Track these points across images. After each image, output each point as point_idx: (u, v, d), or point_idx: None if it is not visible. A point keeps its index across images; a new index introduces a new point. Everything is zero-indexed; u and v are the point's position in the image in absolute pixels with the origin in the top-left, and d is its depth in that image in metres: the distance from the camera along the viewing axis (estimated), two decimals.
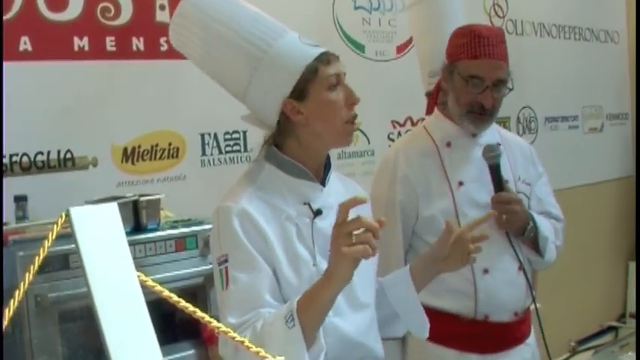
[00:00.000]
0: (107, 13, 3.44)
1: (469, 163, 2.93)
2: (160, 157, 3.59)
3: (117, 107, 3.47)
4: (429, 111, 3.21)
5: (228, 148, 3.86)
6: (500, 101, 2.90)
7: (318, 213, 2.14)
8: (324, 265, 2.04)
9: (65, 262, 2.62)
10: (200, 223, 3.05)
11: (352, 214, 2.11)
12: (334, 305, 2.04)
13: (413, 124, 4.64)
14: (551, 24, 6.13)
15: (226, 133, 3.84)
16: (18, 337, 2.58)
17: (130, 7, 3.51)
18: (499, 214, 2.82)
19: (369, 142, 4.57)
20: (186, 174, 3.69)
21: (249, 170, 2.25)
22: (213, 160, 3.80)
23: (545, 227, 2.97)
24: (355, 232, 1.82)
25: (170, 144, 3.63)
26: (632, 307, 6.68)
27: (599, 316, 5.89)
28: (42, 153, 3.21)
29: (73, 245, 1.08)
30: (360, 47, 4.59)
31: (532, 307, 3.04)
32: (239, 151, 3.88)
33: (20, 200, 2.96)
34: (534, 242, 2.94)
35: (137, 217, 2.98)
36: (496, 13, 5.58)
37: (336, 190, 2.27)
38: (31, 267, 1.02)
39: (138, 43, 3.54)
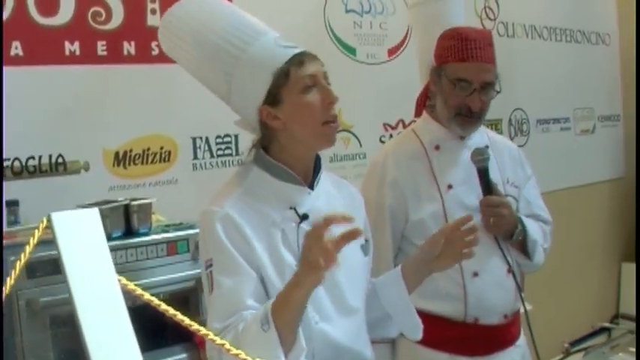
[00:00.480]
0: (98, 17, 3.44)
1: (458, 166, 2.94)
2: (152, 161, 3.60)
3: (108, 111, 3.47)
4: (418, 114, 3.22)
5: (220, 152, 3.86)
6: (489, 104, 2.91)
7: (304, 217, 2.13)
8: None
9: (56, 266, 2.61)
10: (191, 227, 3.05)
11: (349, 212, 2.13)
12: (321, 310, 2.05)
13: (405, 126, 4.64)
14: (542, 26, 6.14)
15: (218, 136, 3.85)
16: (9, 342, 2.57)
17: (121, 11, 3.51)
18: (487, 218, 2.84)
19: (360, 145, 4.58)
20: (178, 178, 3.69)
21: (236, 173, 2.25)
22: (205, 163, 3.80)
23: (534, 230, 2.98)
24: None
25: (162, 148, 3.63)
26: (625, 308, 6.70)
27: (592, 317, 5.90)
28: (33, 157, 3.21)
29: None
30: (351, 50, 4.60)
31: (522, 309, 3.06)
32: (231, 154, 3.88)
33: (12, 205, 2.96)
34: (523, 245, 2.95)
35: (128, 221, 2.97)
36: (487, 15, 5.59)
37: (327, 193, 2.26)
38: (12, 272, 1.03)
39: (129, 48, 3.55)
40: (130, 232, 2.97)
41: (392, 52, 4.79)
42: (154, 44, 3.58)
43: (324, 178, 2.28)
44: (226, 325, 1.98)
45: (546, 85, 6.12)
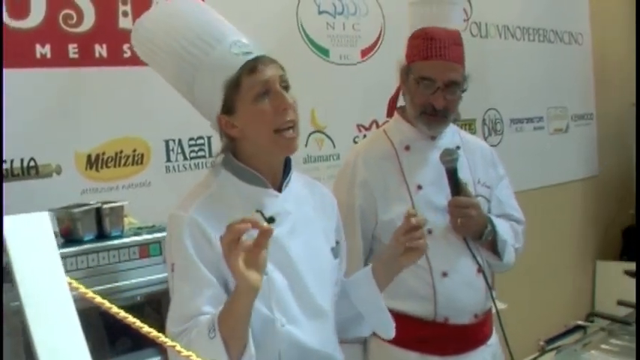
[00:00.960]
0: (69, 20, 3.42)
1: (427, 166, 2.95)
2: (125, 164, 3.58)
3: (80, 114, 3.45)
4: (390, 114, 3.23)
5: (193, 154, 3.85)
6: (455, 103, 2.93)
7: (270, 220, 2.12)
8: (276, 274, 2.07)
9: None
10: (164, 229, 3.02)
11: (320, 214, 2.15)
12: (288, 313, 2.06)
13: (378, 127, 4.65)
14: (515, 26, 6.17)
15: (191, 139, 3.84)
16: None
17: (93, 14, 3.50)
18: (455, 218, 2.86)
19: (334, 146, 4.58)
20: (151, 180, 3.68)
21: (205, 177, 2.26)
22: (178, 166, 3.79)
23: (504, 230, 3.00)
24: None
25: (134, 150, 3.62)
26: (599, 306, 6.75)
27: (567, 316, 5.91)
28: (5, 161, 3.19)
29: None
30: (324, 52, 4.60)
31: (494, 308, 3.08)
32: (204, 156, 3.88)
33: None
34: (493, 245, 2.97)
35: (100, 225, 2.97)
36: None
37: (297, 195, 2.27)
38: None
39: (101, 50, 3.53)
40: (102, 236, 2.96)
41: (365, 53, 4.80)
42: (125, 47, 3.57)
43: (296, 180, 2.29)
44: (183, 330, 1.99)
45: (520, 84, 6.14)
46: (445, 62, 2.86)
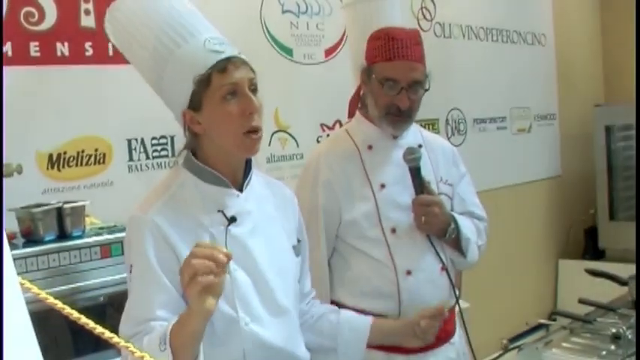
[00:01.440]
0: (31, 18, 3.40)
1: (390, 165, 2.96)
2: (87, 164, 3.56)
3: (41, 113, 3.42)
4: (351, 114, 3.23)
5: (156, 154, 3.83)
6: (418, 102, 2.93)
7: (232, 220, 2.13)
8: (238, 272, 2.07)
9: None
10: (125, 229, 3.03)
11: (282, 213, 2.15)
12: (252, 312, 2.06)
13: (341, 127, 4.66)
14: (478, 27, 6.20)
15: (154, 138, 3.82)
16: None
17: (55, 12, 3.47)
18: (419, 216, 2.86)
19: (297, 146, 4.57)
20: (114, 180, 3.65)
21: (166, 177, 2.25)
22: (141, 165, 3.77)
23: (468, 228, 3.01)
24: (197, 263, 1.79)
25: (96, 150, 3.59)
26: (561, 305, 6.80)
27: (530, 314, 5.95)
28: None
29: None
30: (287, 51, 4.60)
31: (457, 307, 3.09)
32: (167, 156, 3.86)
33: None
34: (457, 243, 2.98)
35: (62, 225, 2.95)
36: (424, 16, 5.62)
37: (258, 195, 2.27)
38: None
39: (63, 49, 3.50)
40: (63, 236, 2.94)
41: (329, 52, 4.80)
42: (87, 45, 3.55)
43: (256, 180, 2.29)
44: (135, 333, 1.98)
45: (483, 84, 6.18)
46: (408, 62, 2.86)
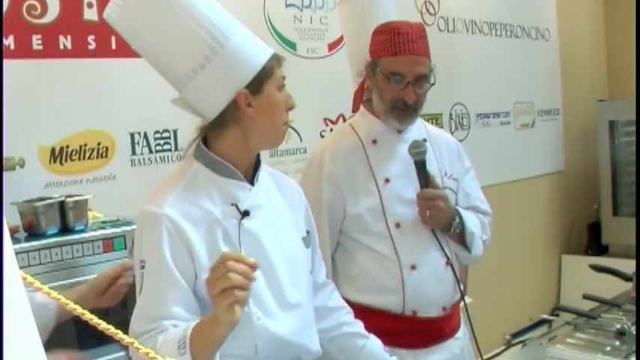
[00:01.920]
0: (33, 11, 3.38)
1: (395, 159, 2.95)
2: (89, 157, 3.55)
3: (44, 107, 3.41)
4: (355, 109, 3.22)
5: (159, 148, 3.82)
6: (424, 96, 2.92)
7: (245, 214, 2.14)
8: None
9: None
10: (128, 223, 3.02)
11: (289, 206, 2.15)
12: (263, 306, 2.07)
13: (345, 121, 4.65)
14: (482, 21, 6.18)
15: (156, 132, 3.80)
16: None
17: (57, 5, 3.45)
18: (424, 210, 2.85)
19: (301, 140, 4.56)
20: (116, 174, 3.64)
21: (177, 169, 2.26)
22: (144, 159, 3.76)
23: (472, 222, 3.00)
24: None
25: (99, 144, 3.58)
26: (565, 300, 6.80)
27: (533, 309, 5.96)
28: None
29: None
30: (291, 45, 4.59)
31: (462, 302, 3.08)
32: (169, 150, 3.84)
33: None
34: (461, 237, 2.97)
35: (64, 218, 2.94)
36: (427, 10, 5.61)
37: (267, 189, 2.28)
38: None
39: (65, 42, 3.49)
40: (65, 230, 2.93)
41: (332, 46, 4.79)
42: (90, 38, 3.54)
43: (263, 174, 2.30)
44: (147, 330, 1.98)
45: (487, 79, 6.17)
46: (414, 57, 2.86)
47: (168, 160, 3.82)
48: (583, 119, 7.21)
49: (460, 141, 3.46)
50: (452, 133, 5.22)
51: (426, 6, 5.60)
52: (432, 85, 2.94)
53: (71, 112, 3.50)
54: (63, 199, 2.96)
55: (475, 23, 6.11)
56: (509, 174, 6.36)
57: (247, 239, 2.10)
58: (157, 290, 2.03)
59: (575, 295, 3.84)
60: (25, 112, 3.34)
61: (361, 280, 2.81)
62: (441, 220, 2.89)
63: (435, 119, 5.48)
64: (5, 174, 3.25)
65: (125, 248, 2.97)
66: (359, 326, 2.56)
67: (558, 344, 3.20)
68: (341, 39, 4.74)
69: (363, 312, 2.53)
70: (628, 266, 3.83)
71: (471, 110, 6.01)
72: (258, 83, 2.14)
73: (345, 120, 4.63)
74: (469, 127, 5.98)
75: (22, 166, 3.30)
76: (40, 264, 2.74)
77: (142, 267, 2.07)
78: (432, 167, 2.94)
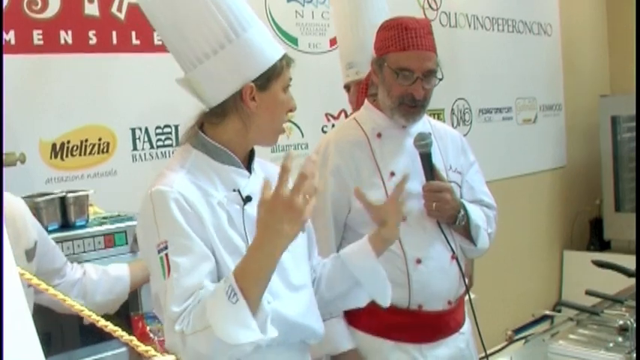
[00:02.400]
0: (34, 6, 3.38)
1: (400, 153, 2.94)
2: (90, 153, 3.54)
3: (45, 102, 3.41)
4: (359, 104, 3.22)
5: (160, 143, 3.81)
6: (431, 92, 2.92)
7: (247, 199, 2.16)
8: None
9: None
10: (129, 218, 3.01)
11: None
12: (271, 289, 2.05)
13: (347, 117, 4.64)
14: (484, 16, 6.18)
15: (157, 127, 3.80)
16: None
17: (58, 0, 3.45)
18: (429, 203, 2.85)
19: (302, 135, 4.56)
20: (117, 169, 3.64)
21: (177, 155, 2.26)
22: (145, 154, 3.75)
23: (477, 215, 2.99)
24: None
25: (100, 139, 3.58)
26: (566, 296, 6.79)
27: (535, 305, 5.96)
28: None
29: None
30: (292, 40, 4.58)
31: (467, 296, 3.07)
32: (171, 145, 3.84)
33: None
34: (466, 230, 2.96)
35: (65, 214, 2.93)
36: (429, 5, 5.60)
37: (259, 177, 2.28)
38: None
39: (66, 37, 3.49)
40: (66, 225, 2.93)
41: (334, 41, 4.76)
42: (91, 33, 3.53)
43: (256, 164, 2.33)
44: (184, 308, 1.95)
45: (489, 74, 6.16)
46: (422, 52, 2.85)
47: (169, 156, 3.81)
48: (585, 114, 7.21)
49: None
50: (454, 129, 5.21)
51: (428, 1, 5.59)
52: (441, 80, 2.93)
53: (72, 107, 3.49)
54: (64, 194, 2.95)
55: (477, 18, 6.10)
56: (511, 169, 6.35)
57: (250, 225, 2.09)
58: (190, 266, 2.00)
59: (578, 291, 3.83)
60: (26, 108, 3.34)
61: None
62: (447, 213, 2.88)
63: (437, 115, 5.47)
64: (6, 169, 3.24)
65: (126, 244, 2.96)
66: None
67: (561, 340, 3.18)
68: None
69: (369, 307, 2.51)
70: (630, 262, 3.82)
71: (473, 106, 6.01)
72: (266, 79, 2.15)
73: (347, 115, 4.62)
74: (471, 123, 5.98)
75: (22, 162, 3.30)
76: None
77: (165, 248, 2.03)
78: (436, 161, 2.93)
